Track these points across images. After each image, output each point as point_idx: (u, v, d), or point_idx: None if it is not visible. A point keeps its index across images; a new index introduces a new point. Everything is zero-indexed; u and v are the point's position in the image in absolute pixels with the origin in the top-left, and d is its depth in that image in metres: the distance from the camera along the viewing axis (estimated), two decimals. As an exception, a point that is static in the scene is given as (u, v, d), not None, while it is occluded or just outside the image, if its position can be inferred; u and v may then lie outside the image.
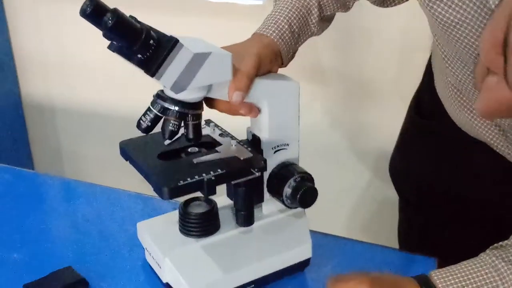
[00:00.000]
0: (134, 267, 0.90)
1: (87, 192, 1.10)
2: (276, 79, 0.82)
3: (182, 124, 0.76)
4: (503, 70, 0.52)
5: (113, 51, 0.69)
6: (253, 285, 0.83)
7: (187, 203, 0.85)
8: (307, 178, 0.82)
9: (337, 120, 1.75)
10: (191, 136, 0.77)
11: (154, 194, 1.05)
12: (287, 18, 0.86)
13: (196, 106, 0.75)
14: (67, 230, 1.00)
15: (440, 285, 0.72)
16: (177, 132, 0.75)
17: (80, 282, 0.81)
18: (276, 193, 0.83)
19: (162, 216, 0.90)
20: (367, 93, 1.68)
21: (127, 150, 0.82)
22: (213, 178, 0.74)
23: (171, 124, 0.74)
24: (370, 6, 0.97)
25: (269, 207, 0.87)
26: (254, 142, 0.83)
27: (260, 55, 0.80)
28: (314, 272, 0.88)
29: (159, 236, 0.85)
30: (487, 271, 0.72)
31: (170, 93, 0.73)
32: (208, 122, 0.89)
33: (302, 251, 0.87)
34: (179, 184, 0.73)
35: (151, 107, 0.74)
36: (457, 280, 0.73)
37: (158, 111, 0.73)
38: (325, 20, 0.93)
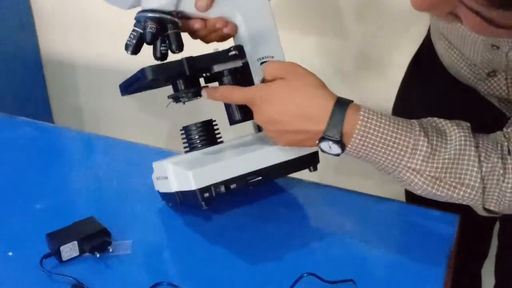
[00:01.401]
0: (154, 217, 0.91)
1: (107, 145, 1.11)
2: None
3: (167, 45, 0.82)
4: None
5: None
6: (260, 177, 0.82)
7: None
8: None
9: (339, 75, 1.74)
10: (174, 45, 0.82)
11: (173, 148, 1.07)
12: None
13: (171, 14, 0.82)
14: (88, 182, 1.01)
15: (359, 123, 0.72)
16: (156, 35, 0.81)
17: (102, 232, 0.82)
18: None
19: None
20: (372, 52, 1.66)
21: (123, 82, 0.86)
22: (193, 56, 0.80)
23: (149, 27, 0.81)
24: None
25: None
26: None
27: None
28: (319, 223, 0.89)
29: (166, 158, 0.87)
30: (407, 139, 0.72)
31: (146, 6, 0.82)
32: None
33: None
34: (161, 63, 0.80)
35: (134, 27, 0.83)
36: (376, 130, 0.72)
37: (140, 28, 0.82)
38: None
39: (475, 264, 1.37)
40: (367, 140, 0.73)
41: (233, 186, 0.80)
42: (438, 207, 0.91)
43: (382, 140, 0.72)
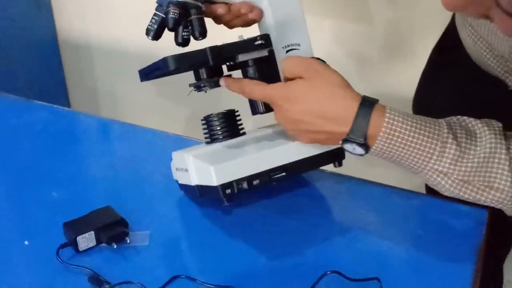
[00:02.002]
0: (172, 208, 0.89)
1: (125, 132, 1.09)
2: None
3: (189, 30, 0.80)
4: None
5: None
6: (284, 173, 0.79)
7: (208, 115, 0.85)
8: (317, 59, 0.81)
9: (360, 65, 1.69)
10: (196, 31, 0.79)
11: (191, 135, 1.05)
12: None
13: None
14: (105, 169, 0.99)
15: (384, 125, 0.69)
16: (178, 21, 0.78)
17: (120, 222, 0.80)
18: None
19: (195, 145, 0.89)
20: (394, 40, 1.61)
21: (143, 69, 0.83)
22: (217, 45, 0.76)
23: (171, 13, 0.77)
24: None
25: None
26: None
27: None
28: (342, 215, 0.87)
29: (187, 149, 0.85)
30: (434, 141, 0.70)
31: None
32: None
33: None
34: (183, 52, 0.76)
35: (155, 11, 0.80)
36: (401, 131, 0.69)
37: (162, 12, 0.79)
38: None
39: (497, 258, 1.34)
40: (392, 142, 0.70)
41: (256, 182, 0.77)
42: (464, 201, 0.88)
43: (408, 143, 0.70)
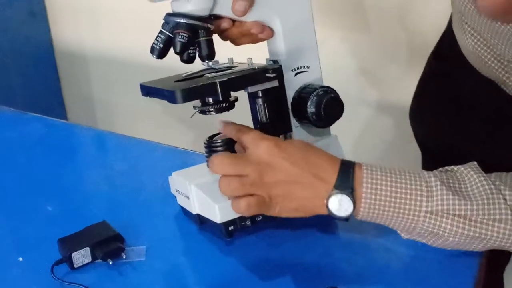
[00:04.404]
0: (170, 222, 0.88)
1: (120, 144, 1.08)
2: None
3: (195, 48, 0.77)
4: None
5: None
6: None
7: (212, 136, 0.83)
8: (329, 91, 0.80)
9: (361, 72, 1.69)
10: (204, 54, 0.77)
11: (188, 147, 1.03)
12: None
13: (205, 20, 0.76)
14: (101, 182, 0.98)
15: (364, 176, 0.68)
16: (187, 45, 0.75)
17: (116, 238, 0.79)
18: (302, 115, 0.81)
19: (196, 166, 0.88)
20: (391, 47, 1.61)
21: (147, 85, 0.81)
22: (225, 79, 0.74)
23: (180, 36, 0.75)
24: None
25: (300, 137, 0.84)
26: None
27: None
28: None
29: (187, 172, 0.84)
30: (418, 183, 0.68)
31: (178, 8, 0.75)
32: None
33: None
34: (191, 86, 0.74)
35: (162, 29, 0.77)
36: (384, 180, 0.68)
37: (168, 31, 0.76)
38: None
39: (498, 268, 1.33)
40: (378, 192, 0.68)
41: (259, 218, 0.77)
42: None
43: (394, 189, 0.68)
